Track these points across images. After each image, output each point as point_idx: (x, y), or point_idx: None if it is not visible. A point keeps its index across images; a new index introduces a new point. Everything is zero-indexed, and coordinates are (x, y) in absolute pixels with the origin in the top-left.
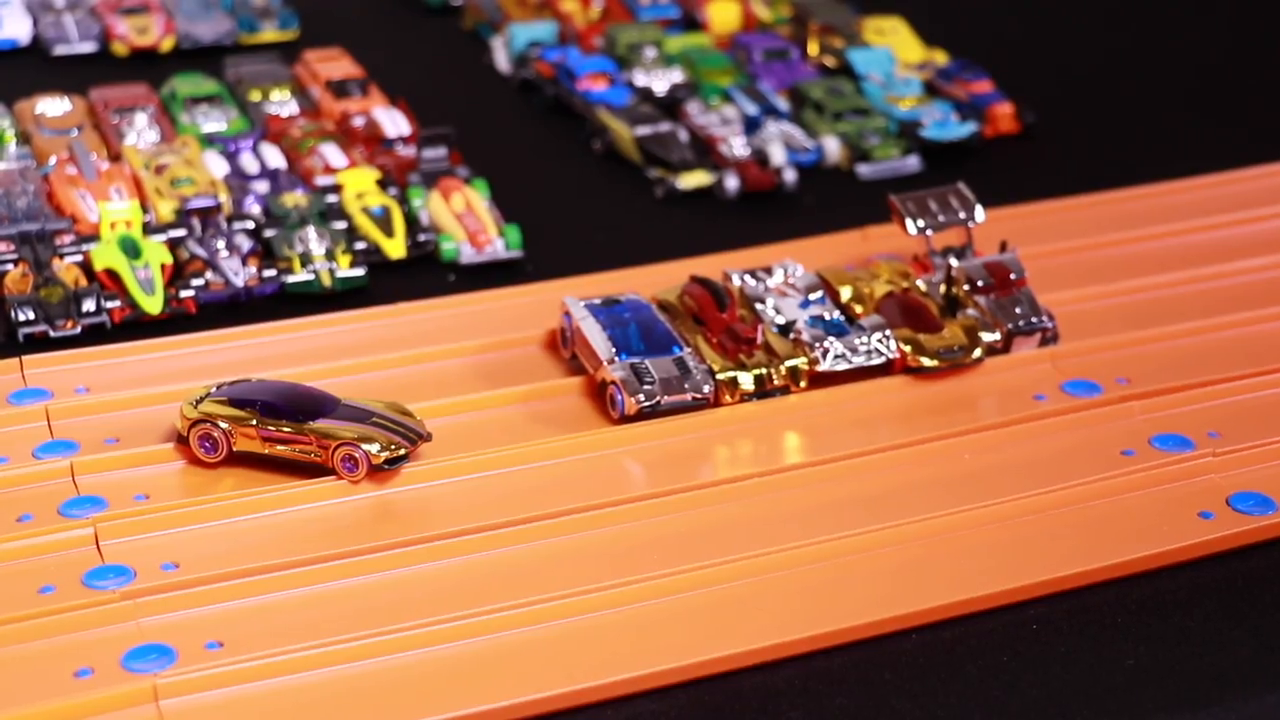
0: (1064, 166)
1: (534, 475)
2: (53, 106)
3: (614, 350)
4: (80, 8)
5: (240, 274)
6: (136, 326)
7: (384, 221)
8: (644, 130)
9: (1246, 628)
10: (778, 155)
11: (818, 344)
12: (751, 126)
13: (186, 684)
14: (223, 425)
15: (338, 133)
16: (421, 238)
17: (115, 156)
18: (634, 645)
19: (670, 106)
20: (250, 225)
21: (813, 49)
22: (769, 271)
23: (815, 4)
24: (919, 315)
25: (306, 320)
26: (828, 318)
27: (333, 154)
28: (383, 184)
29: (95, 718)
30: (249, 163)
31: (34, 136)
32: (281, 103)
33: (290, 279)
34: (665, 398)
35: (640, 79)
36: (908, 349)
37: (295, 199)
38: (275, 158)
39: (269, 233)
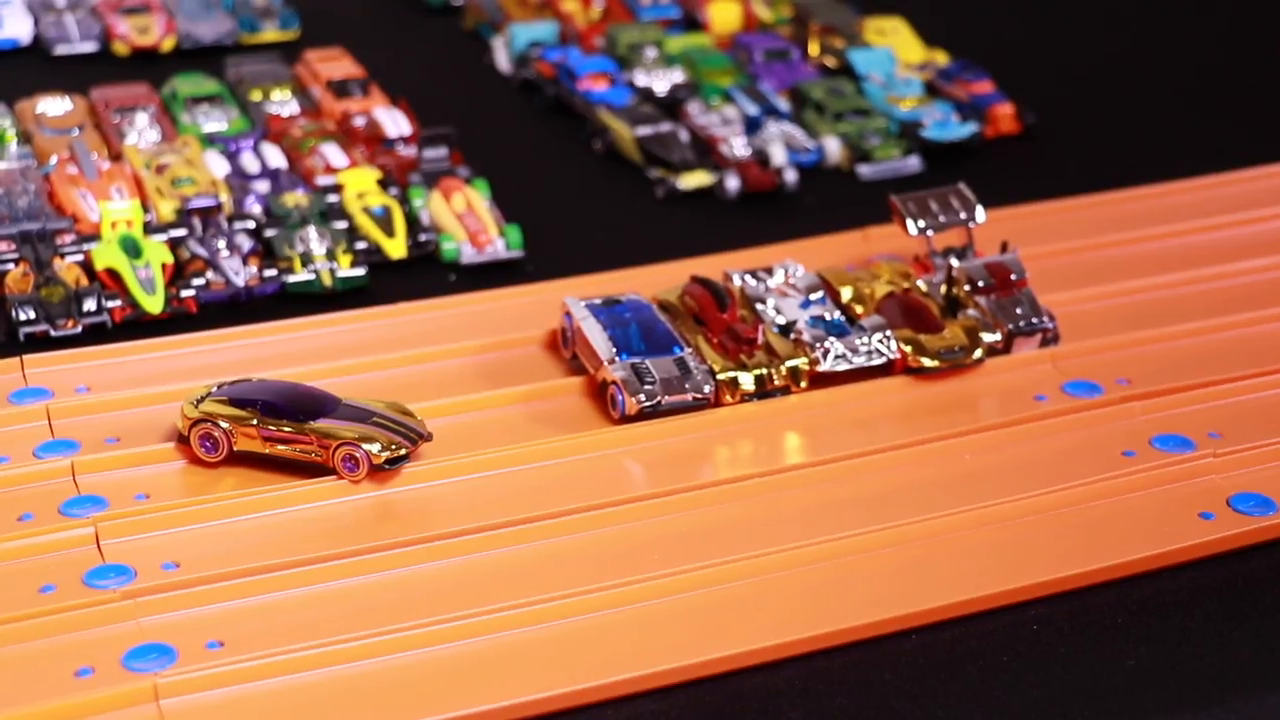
0: (1065, 167)
1: (534, 475)
2: (54, 106)
3: (615, 350)
4: (81, 7)
5: (241, 274)
6: (137, 326)
7: (385, 221)
8: (645, 130)
9: (1247, 629)
10: (778, 155)
11: (818, 344)
12: (752, 127)
13: (187, 683)
14: (223, 425)
15: (339, 132)
16: (422, 238)
17: (116, 156)
18: (634, 645)
19: (671, 107)
20: (251, 225)
21: (813, 49)
22: (770, 272)
23: (816, 4)
24: (920, 316)
25: (307, 320)
26: (828, 318)
27: (333, 154)
28: (383, 184)
29: (96, 717)
30: (250, 162)
31: (35, 136)
32: (282, 102)
33: (291, 279)
34: (666, 398)
35: (641, 79)
36: (908, 349)
37: (296, 199)
38: (276, 157)
39: (270, 232)
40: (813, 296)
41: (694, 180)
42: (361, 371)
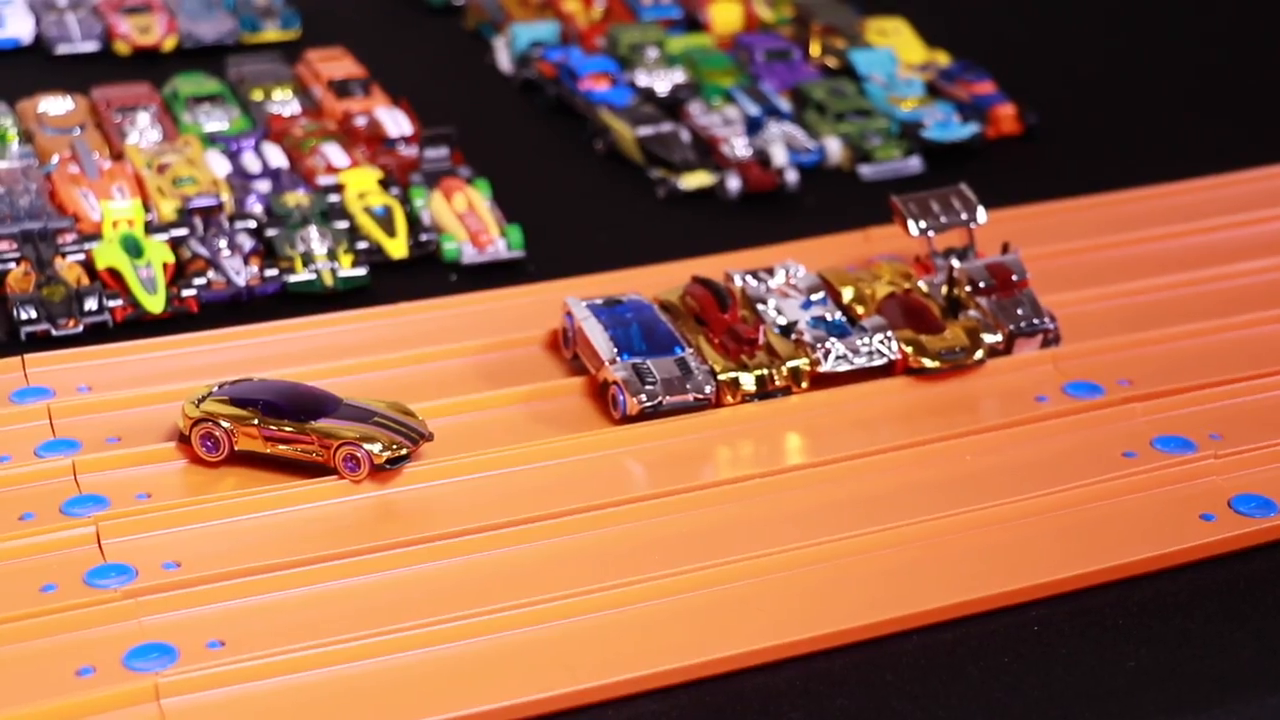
0: (1066, 168)
1: (536, 475)
2: (55, 105)
3: (616, 350)
4: (83, 7)
5: (242, 273)
6: (138, 325)
7: (386, 221)
8: (646, 130)
9: (1248, 630)
10: (779, 156)
11: (819, 345)
12: (753, 127)
13: (188, 683)
14: (224, 424)
15: (340, 132)
16: (423, 238)
17: (117, 155)
18: (636, 645)
19: (672, 107)
20: (252, 225)
21: (815, 50)
22: (771, 272)
23: (817, 4)
24: (921, 316)
25: (308, 320)
26: (829, 318)
27: (335, 153)
28: (385, 184)
29: (97, 716)
30: (251, 162)
31: (36, 135)
32: (283, 102)
33: (292, 278)
34: (667, 398)
35: (642, 79)
36: (909, 350)
37: (297, 198)
38: (277, 157)
39: (271, 232)
40: (814, 297)
41: (695, 180)
42: (363, 371)
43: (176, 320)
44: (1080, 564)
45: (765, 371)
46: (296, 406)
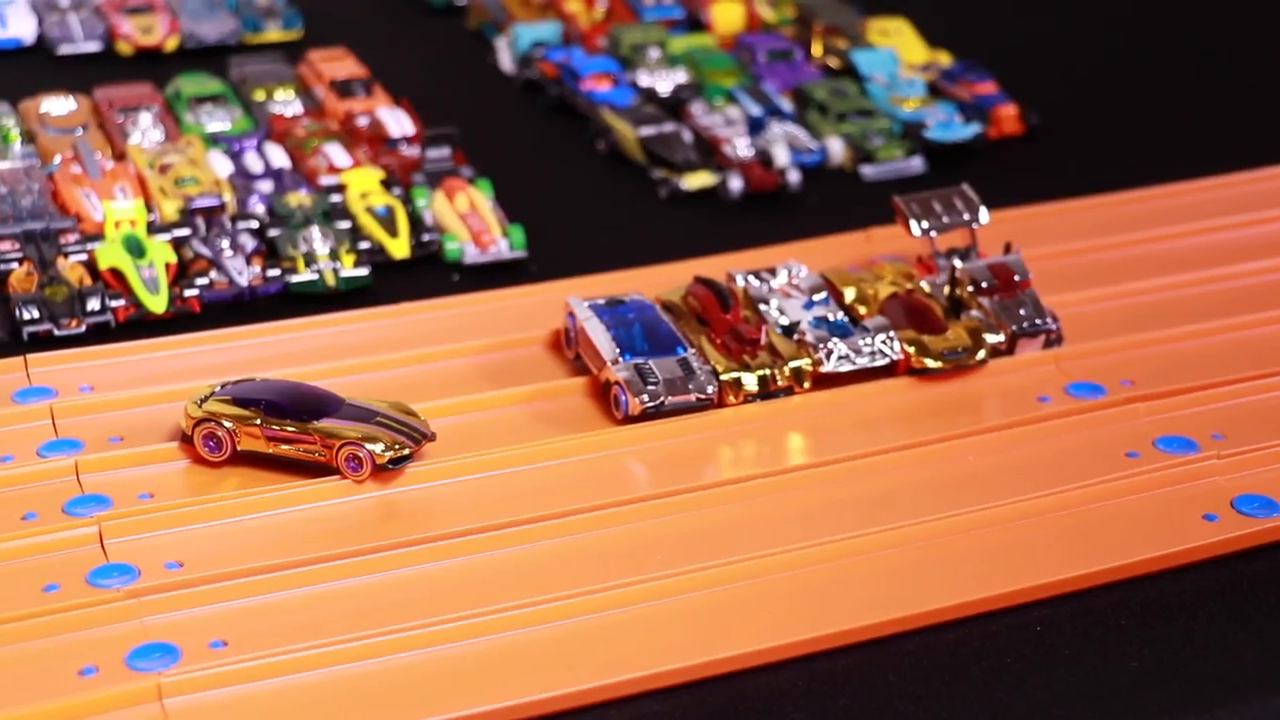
0: (1068, 168)
1: (538, 475)
2: (57, 106)
3: (618, 351)
4: (85, 7)
5: (244, 273)
6: (141, 325)
7: (388, 221)
8: (648, 131)
9: (1251, 631)
10: (781, 156)
11: (821, 345)
12: (755, 127)
13: (190, 683)
14: (227, 424)
15: (342, 132)
16: (425, 238)
17: (120, 156)
18: (638, 646)
19: (674, 107)
20: (254, 225)
21: (816, 50)
22: (773, 272)
23: (819, 5)
24: (923, 317)
25: (310, 320)
26: (831, 319)
27: (337, 154)
28: (387, 184)
29: (99, 716)
30: (253, 162)
31: (39, 135)
32: (286, 102)
33: (294, 279)
34: (669, 398)
35: (644, 79)
36: (912, 350)
37: (299, 199)
38: (279, 157)
39: (273, 232)
40: (816, 297)
41: (697, 181)
42: (365, 371)
43: (179, 320)
44: (1083, 564)
45: (767, 372)
46: (299, 406)
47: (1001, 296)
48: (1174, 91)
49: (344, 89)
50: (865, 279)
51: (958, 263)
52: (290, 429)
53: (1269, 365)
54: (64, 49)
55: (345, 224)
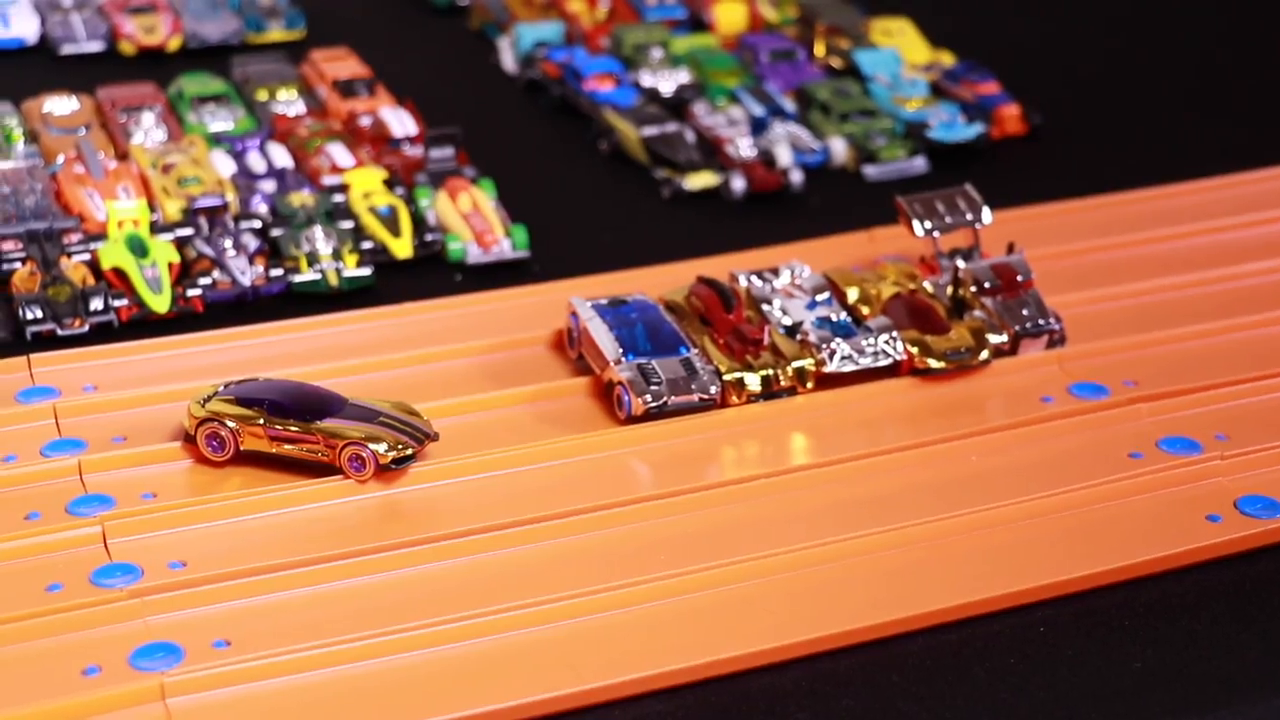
0: (1071, 168)
1: (540, 475)
2: (60, 105)
3: (621, 351)
4: (87, 7)
5: (247, 273)
6: (144, 325)
7: (391, 221)
8: (650, 131)
9: (1254, 631)
10: (784, 156)
11: (824, 345)
12: (758, 127)
13: (194, 682)
14: (230, 424)
15: (345, 132)
16: (428, 238)
17: (123, 155)
18: (641, 646)
19: (677, 107)
20: (257, 224)
21: (819, 50)
22: (776, 272)
23: (822, 5)
24: (926, 317)
25: (313, 320)
26: (834, 319)
27: (340, 153)
28: (389, 184)
29: (102, 716)
30: (256, 162)
31: (42, 135)
32: (288, 102)
33: (297, 278)
34: (672, 398)
35: (647, 79)
36: (915, 350)
37: (302, 198)
38: (282, 157)
39: (276, 232)
40: (819, 297)
41: (700, 181)
42: (367, 371)
43: (182, 320)
44: (1086, 565)
45: (770, 372)
46: (302, 406)
47: (1004, 297)
48: (1176, 92)
49: (347, 89)
50: (868, 279)
51: (961, 263)
52: (293, 429)
53: (1272, 365)
54: (67, 49)
55: (348, 224)
